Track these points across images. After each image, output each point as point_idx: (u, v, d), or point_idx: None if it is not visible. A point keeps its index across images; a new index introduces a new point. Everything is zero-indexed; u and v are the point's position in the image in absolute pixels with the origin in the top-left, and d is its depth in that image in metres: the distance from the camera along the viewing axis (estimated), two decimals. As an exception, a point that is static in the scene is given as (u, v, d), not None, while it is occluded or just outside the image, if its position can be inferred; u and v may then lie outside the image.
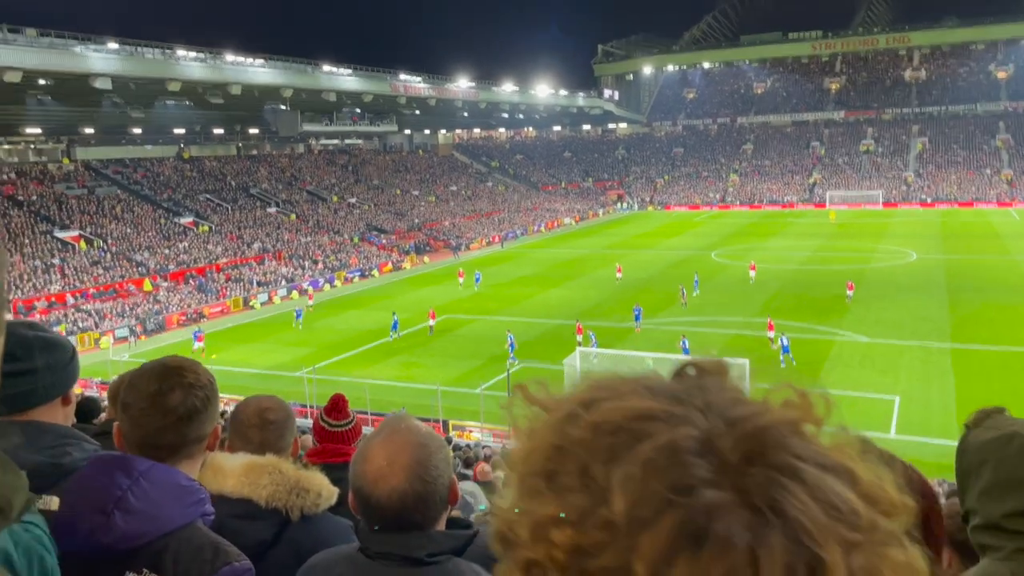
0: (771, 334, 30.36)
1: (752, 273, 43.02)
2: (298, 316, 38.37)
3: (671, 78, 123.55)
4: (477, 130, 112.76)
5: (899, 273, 44.50)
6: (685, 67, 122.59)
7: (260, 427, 2.52)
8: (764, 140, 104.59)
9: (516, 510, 0.60)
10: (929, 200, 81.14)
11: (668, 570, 0.52)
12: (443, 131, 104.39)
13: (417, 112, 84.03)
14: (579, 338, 29.63)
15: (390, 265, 56.42)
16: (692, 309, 36.79)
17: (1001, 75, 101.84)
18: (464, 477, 9.12)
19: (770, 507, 0.53)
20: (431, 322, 35.45)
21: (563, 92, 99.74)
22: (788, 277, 44.45)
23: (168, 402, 1.82)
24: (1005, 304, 35.32)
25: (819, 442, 0.59)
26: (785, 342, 27.99)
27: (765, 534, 0.52)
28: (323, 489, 2.20)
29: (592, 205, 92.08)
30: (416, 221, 70.14)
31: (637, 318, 33.73)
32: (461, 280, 46.26)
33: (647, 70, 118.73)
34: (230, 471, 2.16)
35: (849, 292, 36.26)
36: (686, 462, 0.55)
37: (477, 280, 45.65)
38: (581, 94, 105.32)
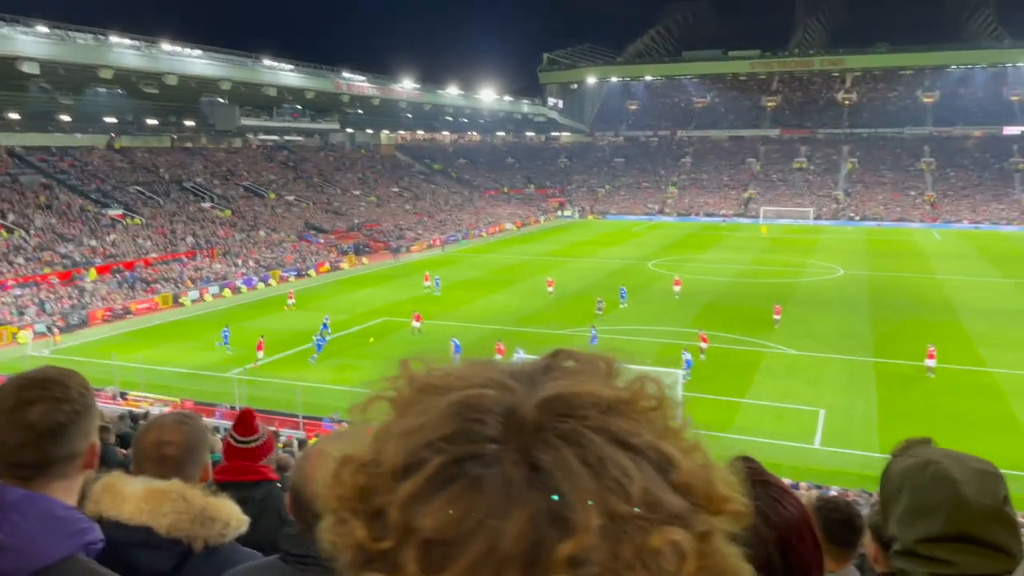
0: (703, 345, 30.94)
1: (676, 288, 42.56)
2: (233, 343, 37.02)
3: (614, 89, 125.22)
4: (421, 132, 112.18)
5: (826, 288, 45.93)
6: (628, 79, 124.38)
7: (156, 462, 2.31)
8: (702, 154, 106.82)
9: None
10: (858, 218, 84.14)
11: (418, 509, 0.54)
12: (386, 131, 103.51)
13: (360, 111, 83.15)
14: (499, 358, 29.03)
15: (328, 265, 55.58)
16: (627, 318, 37.22)
17: (927, 100, 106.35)
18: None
19: (533, 465, 0.55)
20: (416, 324, 34.86)
21: (508, 98, 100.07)
22: (721, 289, 45.42)
23: (27, 417, 1.67)
24: (925, 321, 36.78)
25: (644, 425, 0.61)
26: (689, 359, 28.05)
27: (519, 487, 0.54)
28: (231, 518, 2.06)
29: (534, 211, 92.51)
30: (356, 221, 69.30)
31: (594, 338, 31.81)
32: (427, 284, 45.90)
33: (591, 80, 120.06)
34: (129, 496, 2.01)
35: (776, 316, 35.44)
36: (474, 418, 0.58)
37: (437, 284, 45.47)
38: (526, 101, 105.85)
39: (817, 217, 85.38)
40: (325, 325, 33.91)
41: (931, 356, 28.23)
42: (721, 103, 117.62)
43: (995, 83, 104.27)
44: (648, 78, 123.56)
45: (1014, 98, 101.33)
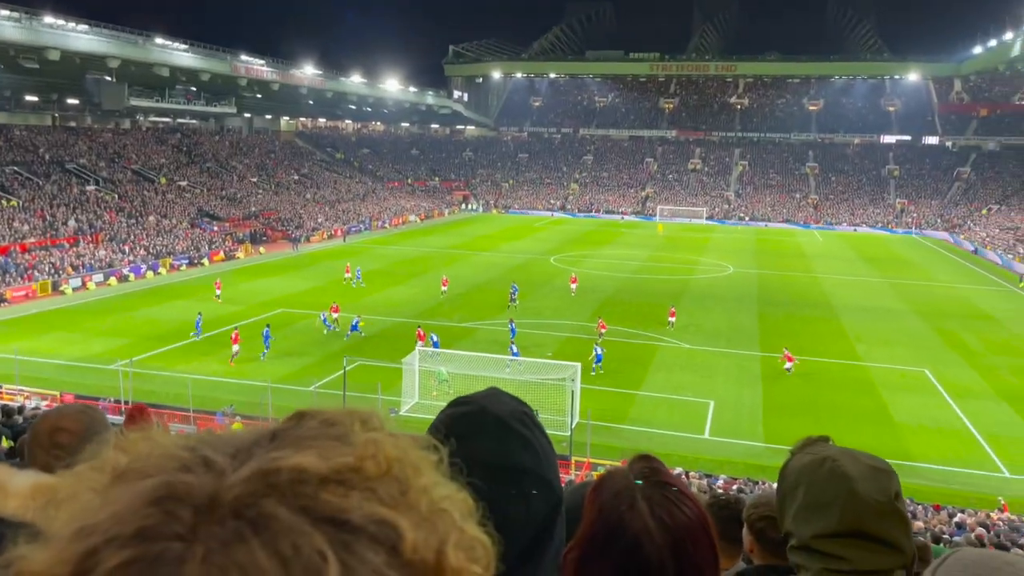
0: (603, 331, 32.37)
1: (573, 286, 43.02)
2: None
3: (519, 85, 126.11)
4: (323, 120, 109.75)
5: (717, 285, 47.92)
6: (533, 75, 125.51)
7: (48, 449, 2.22)
8: (604, 152, 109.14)
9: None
10: (747, 219, 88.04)
11: None
12: (286, 118, 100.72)
13: (259, 96, 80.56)
14: (419, 344, 28.89)
15: (222, 254, 53.71)
16: (527, 312, 37.71)
17: (813, 108, 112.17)
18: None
19: (220, 566, 0.50)
20: (334, 315, 33.74)
21: (413, 89, 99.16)
22: (619, 285, 46.64)
23: None
24: (807, 317, 38.98)
25: (369, 495, 0.56)
26: (599, 352, 28.74)
27: None
28: None
29: (438, 204, 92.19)
30: (253, 209, 67.18)
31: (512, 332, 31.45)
32: (347, 275, 45.05)
33: (496, 75, 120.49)
34: (14, 491, 1.89)
35: (671, 319, 35.58)
36: (166, 510, 0.52)
37: (358, 275, 44.72)
38: (431, 92, 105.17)
39: (710, 217, 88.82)
40: (267, 333, 31.44)
41: (788, 359, 29.18)
42: (622, 103, 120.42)
43: (874, 94, 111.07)
44: (552, 75, 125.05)
45: (890, 108, 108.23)
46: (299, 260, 53.69)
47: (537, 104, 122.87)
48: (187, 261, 50.21)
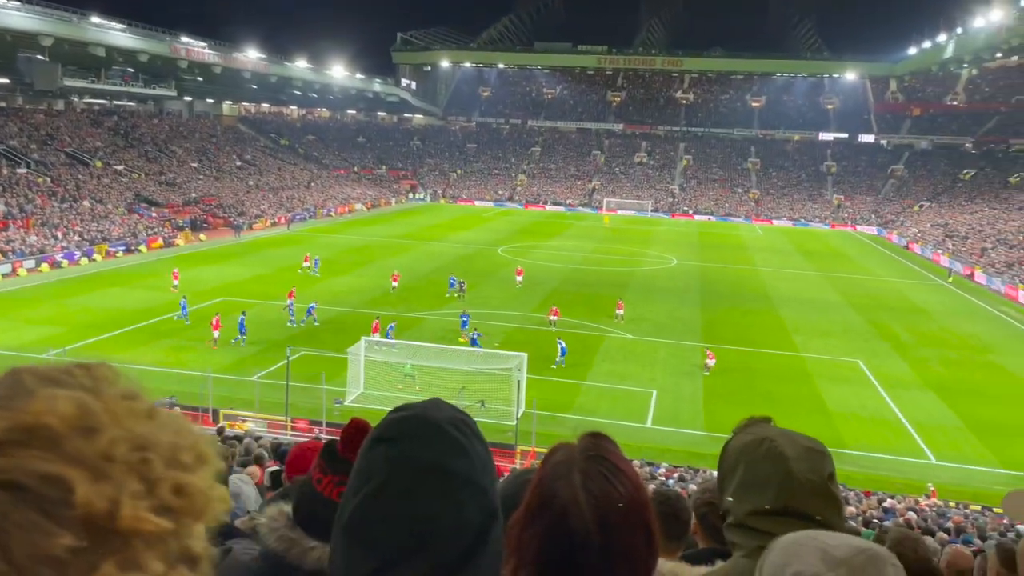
0: (553, 319, 33.52)
1: (519, 278, 42.85)
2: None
3: (468, 74, 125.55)
4: (267, 105, 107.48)
5: (661, 277, 48.69)
6: (482, 65, 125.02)
7: None
8: (552, 144, 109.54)
9: None
10: (691, 212, 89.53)
11: None
12: (228, 102, 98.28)
13: (200, 79, 78.45)
14: (376, 336, 28.86)
15: (161, 241, 52.31)
16: (474, 302, 37.74)
17: (755, 104, 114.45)
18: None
19: None
20: (289, 301, 33.58)
21: (360, 76, 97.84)
22: (566, 275, 47.00)
23: None
24: (747, 309, 39.92)
25: (42, 454, 0.55)
26: (563, 345, 29.00)
27: None
28: None
29: (385, 193, 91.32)
30: (193, 195, 65.52)
31: (464, 323, 32.04)
32: (306, 264, 44.61)
33: (444, 63, 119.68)
34: None
35: (619, 311, 35.91)
36: None
37: (316, 264, 44.33)
38: (378, 80, 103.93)
39: (655, 209, 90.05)
40: (241, 324, 30.93)
41: (711, 356, 29.45)
42: (570, 95, 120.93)
43: (814, 92, 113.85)
44: (500, 65, 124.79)
45: (829, 106, 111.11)
46: (241, 248, 52.66)
47: (486, 94, 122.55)
48: (124, 248, 48.76)
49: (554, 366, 28.12)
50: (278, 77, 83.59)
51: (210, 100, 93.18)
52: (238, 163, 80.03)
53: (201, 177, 71.38)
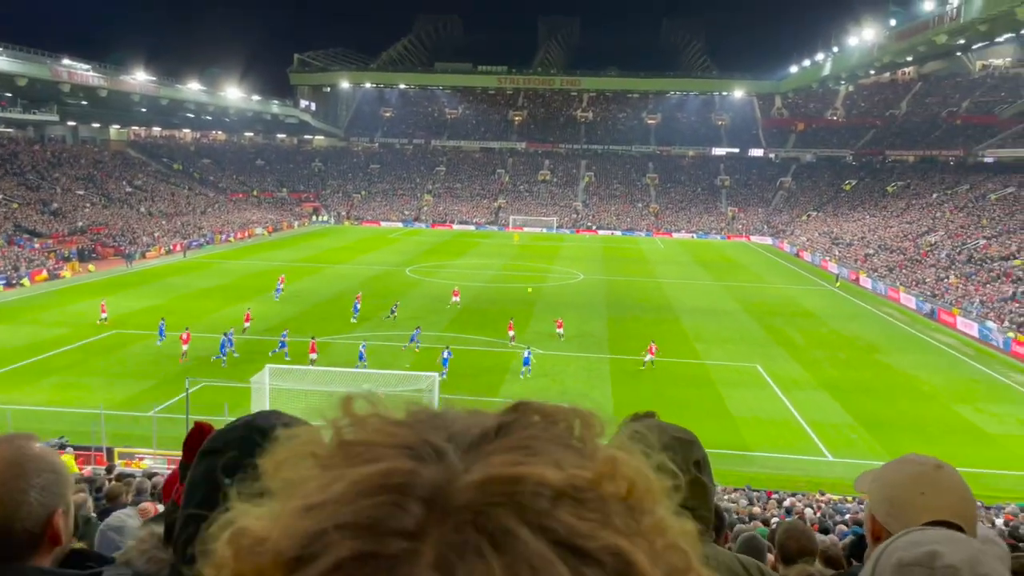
0: (560, 331, 35.10)
1: (455, 299, 42.78)
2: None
3: (369, 95, 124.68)
4: (158, 128, 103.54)
5: (568, 291, 49.41)
6: (383, 86, 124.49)
7: None
8: (456, 163, 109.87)
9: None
10: (594, 227, 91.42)
11: None
12: (116, 126, 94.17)
13: (84, 102, 74.95)
14: (313, 356, 29.53)
15: (45, 273, 49.43)
16: (384, 324, 37.28)
17: (651, 122, 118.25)
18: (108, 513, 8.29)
19: (448, 572, 0.46)
20: (246, 324, 34.41)
21: (256, 97, 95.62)
22: (475, 293, 47.07)
23: None
24: (652, 320, 40.96)
25: (604, 520, 0.51)
26: (527, 355, 30.12)
27: None
28: None
29: (287, 216, 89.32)
30: (80, 224, 62.32)
31: (413, 338, 33.05)
32: (280, 287, 44.37)
33: (344, 84, 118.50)
34: None
35: (559, 331, 35.81)
36: (391, 501, 0.49)
37: (278, 291, 43.65)
38: (276, 102, 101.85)
39: (560, 226, 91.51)
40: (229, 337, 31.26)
41: (651, 351, 31.56)
42: (472, 115, 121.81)
43: (705, 109, 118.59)
44: (402, 86, 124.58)
45: (720, 123, 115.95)
46: (134, 278, 50.34)
47: (388, 115, 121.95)
48: (3, 282, 45.83)
49: (521, 376, 29.37)
50: (169, 100, 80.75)
51: (96, 124, 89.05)
52: (128, 189, 76.66)
53: (88, 205, 68.00)
